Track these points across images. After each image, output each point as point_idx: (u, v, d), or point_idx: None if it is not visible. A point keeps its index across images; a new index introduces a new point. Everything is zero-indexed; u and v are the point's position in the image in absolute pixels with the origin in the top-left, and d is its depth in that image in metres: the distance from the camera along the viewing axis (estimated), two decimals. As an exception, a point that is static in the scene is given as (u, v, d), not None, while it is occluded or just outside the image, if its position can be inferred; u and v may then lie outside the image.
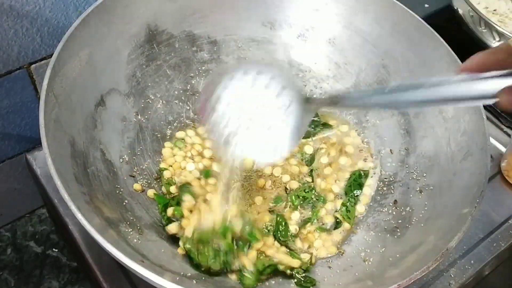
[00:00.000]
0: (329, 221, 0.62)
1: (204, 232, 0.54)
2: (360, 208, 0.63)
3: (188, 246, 0.54)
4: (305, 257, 0.57)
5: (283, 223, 0.60)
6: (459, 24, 0.82)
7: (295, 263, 0.56)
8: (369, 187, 0.65)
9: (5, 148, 0.73)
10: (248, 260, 0.54)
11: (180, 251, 0.55)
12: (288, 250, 0.58)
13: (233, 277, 0.54)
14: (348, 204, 0.63)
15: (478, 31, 0.78)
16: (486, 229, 0.67)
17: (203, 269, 0.53)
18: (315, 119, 0.69)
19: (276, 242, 0.58)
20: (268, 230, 0.60)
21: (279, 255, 0.56)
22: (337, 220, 0.62)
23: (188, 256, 0.54)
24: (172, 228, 0.57)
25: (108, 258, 0.59)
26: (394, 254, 0.55)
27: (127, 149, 0.62)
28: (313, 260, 0.58)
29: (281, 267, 0.56)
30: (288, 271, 0.56)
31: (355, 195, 0.63)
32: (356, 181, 0.65)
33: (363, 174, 0.65)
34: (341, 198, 0.64)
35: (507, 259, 0.68)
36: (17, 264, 0.83)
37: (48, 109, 0.50)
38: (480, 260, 0.64)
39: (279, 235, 0.59)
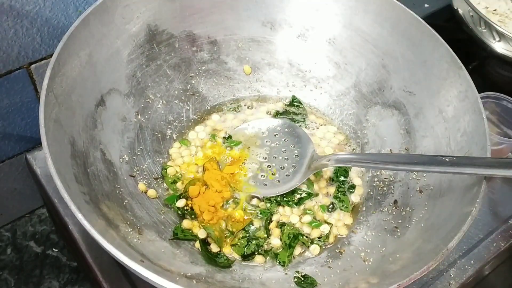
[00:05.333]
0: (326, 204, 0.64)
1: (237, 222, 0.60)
2: (355, 199, 0.64)
3: (215, 234, 0.58)
4: (325, 229, 0.61)
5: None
6: (459, 24, 0.82)
7: (315, 232, 0.60)
8: (360, 178, 0.66)
9: (5, 148, 0.73)
10: (275, 237, 0.60)
11: (196, 245, 0.58)
12: (309, 220, 0.62)
13: (260, 259, 0.58)
14: (339, 195, 0.64)
15: (478, 31, 0.78)
16: (486, 229, 0.67)
17: (219, 261, 0.57)
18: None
19: (295, 210, 0.62)
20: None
21: (300, 224, 0.61)
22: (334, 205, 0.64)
23: (204, 250, 0.57)
24: (187, 224, 0.60)
25: (108, 258, 0.59)
26: (394, 254, 0.55)
27: (127, 149, 0.63)
28: (331, 235, 0.61)
29: (301, 239, 0.60)
30: (309, 243, 0.60)
31: (342, 180, 0.65)
32: (341, 168, 0.66)
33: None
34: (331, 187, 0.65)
35: (507, 259, 0.68)
36: (17, 264, 0.83)
37: (48, 109, 0.50)
38: (480, 260, 0.64)
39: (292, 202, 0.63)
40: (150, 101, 0.67)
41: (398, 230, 0.58)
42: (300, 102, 0.73)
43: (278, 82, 0.74)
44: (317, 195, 0.64)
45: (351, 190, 0.65)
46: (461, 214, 0.51)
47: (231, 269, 0.57)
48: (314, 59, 0.73)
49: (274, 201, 0.62)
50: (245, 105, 0.73)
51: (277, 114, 0.72)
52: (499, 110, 0.74)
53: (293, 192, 0.62)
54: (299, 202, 0.62)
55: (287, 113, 0.72)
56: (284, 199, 0.62)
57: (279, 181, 0.63)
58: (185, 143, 0.67)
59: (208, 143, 0.67)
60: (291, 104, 0.73)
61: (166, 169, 0.64)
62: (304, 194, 0.63)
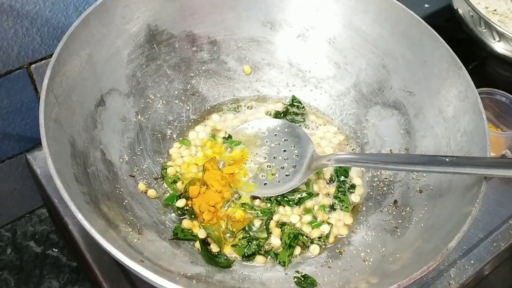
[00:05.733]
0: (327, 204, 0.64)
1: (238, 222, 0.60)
2: (355, 199, 0.64)
3: (214, 234, 0.58)
4: (325, 229, 0.61)
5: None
6: (459, 24, 0.82)
7: (315, 232, 0.60)
8: (360, 178, 0.66)
9: (5, 148, 0.73)
10: (276, 237, 0.60)
11: (196, 245, 0.58)
12: (309, 220, 0.62)
13: (261, 260, 0.58)
14: (339, 195, 0.64)
15: (478, 31, 0.78)
16: (486, 229, 0.67)
17: (219, 261, 0.57)
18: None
19: (296, 209, 0.62)
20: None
21: (300, 223, 0.61)
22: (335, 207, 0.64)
23: (204, 250, 0.57)
24: (187, 224, 0.60)
25: (108, 258, 0.59)
26: (394, 254, 0.55)
27: (127, 149, 0.63)
28: (331, 235, 0.61)
29: (301, 238, 0.60)
30: (309, 243, 0.60)
31: (342, 180, 0.65)
32: (341, 167, 0.66)
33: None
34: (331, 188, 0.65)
35: (507, 259, 0.68)
36: (17, 264, 0.83)
37: (48, 109, 0.50)
38: (480, 260, 0.64)
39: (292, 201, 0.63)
40: (150, 101, 0.67)
41: (398, 230, 0.58)
42: (300, 102, 0.73)
43: (278, 82, 0.74)
44: (317, 195, 0.64)
45: (351, 190, 0.65)
46: (461, 214, 0.51)
47: (231, 269, 0.57)
48: (314, 59, 0.73)
49: (274, 201, 0.62)
50: (245, 105, 0.73)
51: (277, 114, 0.72)
52: (493, 105, 0.74)
53: (293, 192, 0.62)
54: (299, 202, 0.62)
55: (287, 113, 0.72)
56: (284, 199, 0.62)
57: (279, 181, 0.63)
58: (185, 143, 0.67)
59: (208, 143, 0.68)
60: (291, 104, 0.73)
61: (166, 169, 0.64)
62: (304, 194, 0.63)
